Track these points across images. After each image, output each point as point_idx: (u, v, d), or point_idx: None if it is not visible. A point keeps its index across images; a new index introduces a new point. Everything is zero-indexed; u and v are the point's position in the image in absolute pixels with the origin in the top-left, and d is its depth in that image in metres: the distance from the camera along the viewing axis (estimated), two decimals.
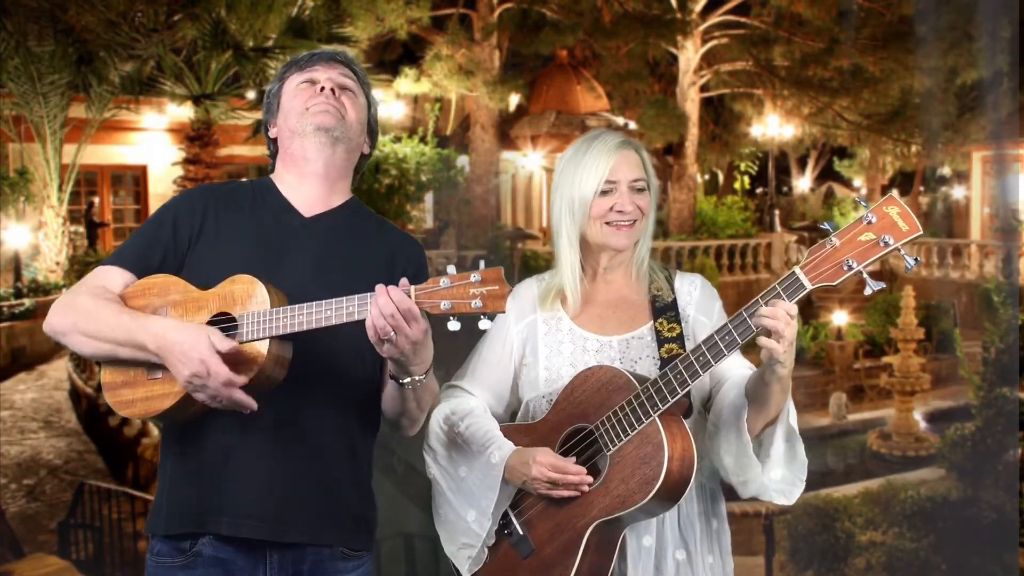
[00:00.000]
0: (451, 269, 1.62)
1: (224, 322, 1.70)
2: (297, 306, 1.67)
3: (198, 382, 1.63)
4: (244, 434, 1.77)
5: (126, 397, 1.75)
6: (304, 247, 1.86)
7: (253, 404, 1.66)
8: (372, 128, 2.01)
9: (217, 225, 1.86)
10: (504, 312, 1.58)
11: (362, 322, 1.65)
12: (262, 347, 1.68)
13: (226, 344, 1.63)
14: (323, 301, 1.65)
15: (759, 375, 1.77)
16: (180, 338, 1.64)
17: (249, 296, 1.70)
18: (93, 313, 1.73)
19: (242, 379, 1.64)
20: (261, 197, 1.93)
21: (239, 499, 1.77)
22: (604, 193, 1.97)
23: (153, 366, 1.73)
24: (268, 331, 1.67)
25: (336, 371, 1.83)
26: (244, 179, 2.05)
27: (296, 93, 1.93)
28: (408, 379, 1.74)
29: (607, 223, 1.97)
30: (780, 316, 1.65)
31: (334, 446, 1.84)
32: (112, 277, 1.80)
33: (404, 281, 1.63)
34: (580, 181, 1.98)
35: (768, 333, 1.67)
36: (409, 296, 1.60)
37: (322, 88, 1.91)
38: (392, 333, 1.61)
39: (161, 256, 1.82)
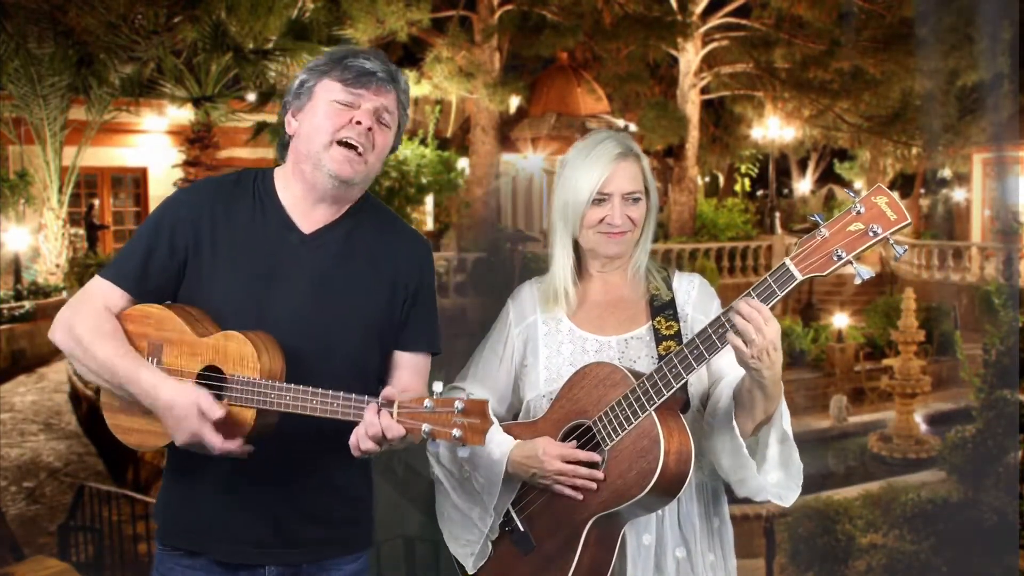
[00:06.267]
0: (437, 387, 1.62)
1: (214, 378, 1.73)
2: (284, 387, 1.68)
3: (193, 446, 1.69)
4: (241, 461, 1.77)
5: (123, 424, 1.82)
6: (301, 268, 1.82)
7: (248, 449, 1.71)
8: (398, 138, 1.90)
9: (213, 236, 1.82)
10: (483, 446, 1.61)
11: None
12: (249, 413, 1.71)
13: (216, 412, 1.65)
14: (312, 391, 1.67)
15: (745, 379, 1.78)
16: (172, 402, 1.68)
17: (241, 358, 1.71)
18: (90, 349, 1.75)
19: (234, 443, 1.68)
20: (262, 205, 1.85)
21: (238, 527, 1.81)
22: (597, 203, 1.96)
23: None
24: (254, 402, 1.69)
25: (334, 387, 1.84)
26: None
27: (329, 111, 1.78)
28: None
29: (599, 232, 1.98)
30: (753, 318, 1.68)
31: (331, 467, 1.85)
32: (113, 299, 1.80)
33: (390, 391, 1.65)
34: (574, 189, 1.97)
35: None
36: (392, 415, 1.61)
37: (358, 122, 1.78)
38: (374, 447, 1.64)
39: (159, 271, 1.82)
